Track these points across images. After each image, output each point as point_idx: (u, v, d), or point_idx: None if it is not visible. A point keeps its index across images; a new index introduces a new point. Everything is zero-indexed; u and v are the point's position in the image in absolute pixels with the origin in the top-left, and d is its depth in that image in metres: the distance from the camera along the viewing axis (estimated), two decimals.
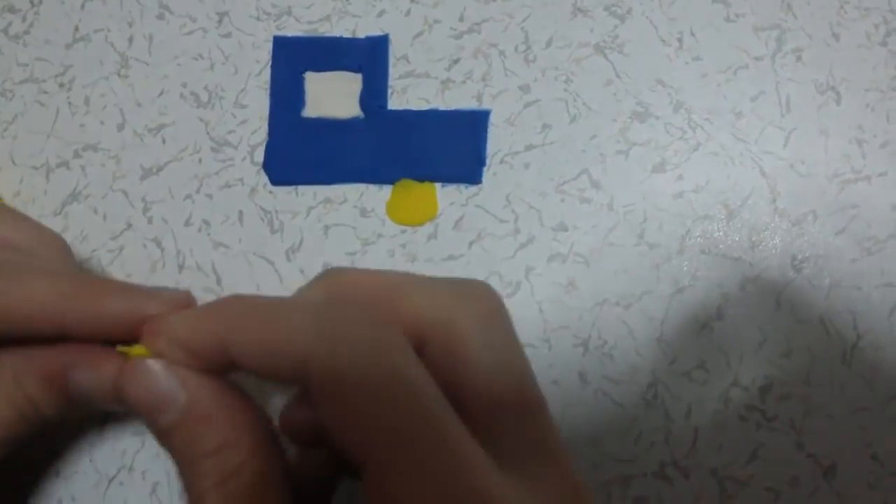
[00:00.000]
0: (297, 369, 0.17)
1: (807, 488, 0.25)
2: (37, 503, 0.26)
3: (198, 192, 0.29)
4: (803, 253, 0.26)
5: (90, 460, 0.26)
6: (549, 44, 0.28)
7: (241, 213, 0.28)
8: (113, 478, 0.26)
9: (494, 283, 0.27)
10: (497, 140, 0.28)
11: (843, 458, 0.25)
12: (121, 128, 0.29)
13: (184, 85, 0.30)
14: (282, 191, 0.28)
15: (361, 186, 0.28)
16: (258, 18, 0.30)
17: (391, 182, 0.28)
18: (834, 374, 0.25)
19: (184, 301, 0.20)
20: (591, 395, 0.26)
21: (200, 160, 0.29)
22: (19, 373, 0.21)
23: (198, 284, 0.28)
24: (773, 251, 0.26)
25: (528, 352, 0.21)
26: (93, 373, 0.21)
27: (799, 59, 0.27)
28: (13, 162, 0.29)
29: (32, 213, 0.29)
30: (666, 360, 0.26)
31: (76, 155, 0.29)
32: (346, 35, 0.29)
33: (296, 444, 0.20)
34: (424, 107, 0.28)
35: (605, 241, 0.27)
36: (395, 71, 0.29)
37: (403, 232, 0.28)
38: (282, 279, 0.28)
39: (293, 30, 0.29)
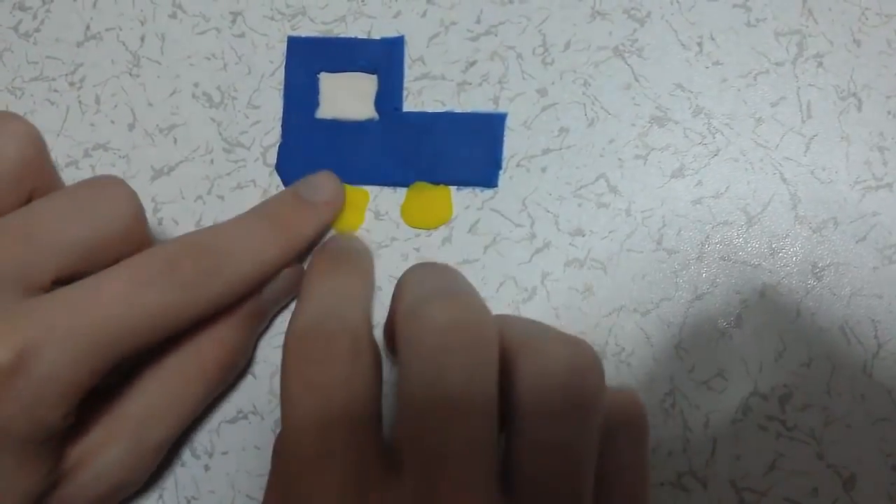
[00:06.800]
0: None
1: (826, 499, 0.24)
2: None
3: (209, 193, 0.28)
4: (824, 260, 0.26)
5: None
6: (567, 47, 0.28)
7: None
8: None
9: (510, 288, 0.26)
10: (513, 143, 0.27)
11: (864, 468, 0.24)
12: (131, 127, 0.29)
13: (196, 85, 0.29)
14: None
15: (375, 189, 0.28)
16: (272, 19, 0.29)
17: (406, 185, 0.28)
18: (855, 383, 0.25)
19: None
20: None
21: (212, 161, 0.28)
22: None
23: None
24: (794, 258, 0.26)
25: None
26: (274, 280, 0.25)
27: (820, 64, 0.27)
28: None
29: None
30: (684, 368, 0.25)
31: (86, 154, 0.29)
32: (362, 36, 0.29)
33: None
34: (440, 109, 0.28)
35: (622, 247, 0.26)
36: (410, 73, 0.28)
37: (418, 235, 0.27)
38: None
39: (308, 30, 0.29)
